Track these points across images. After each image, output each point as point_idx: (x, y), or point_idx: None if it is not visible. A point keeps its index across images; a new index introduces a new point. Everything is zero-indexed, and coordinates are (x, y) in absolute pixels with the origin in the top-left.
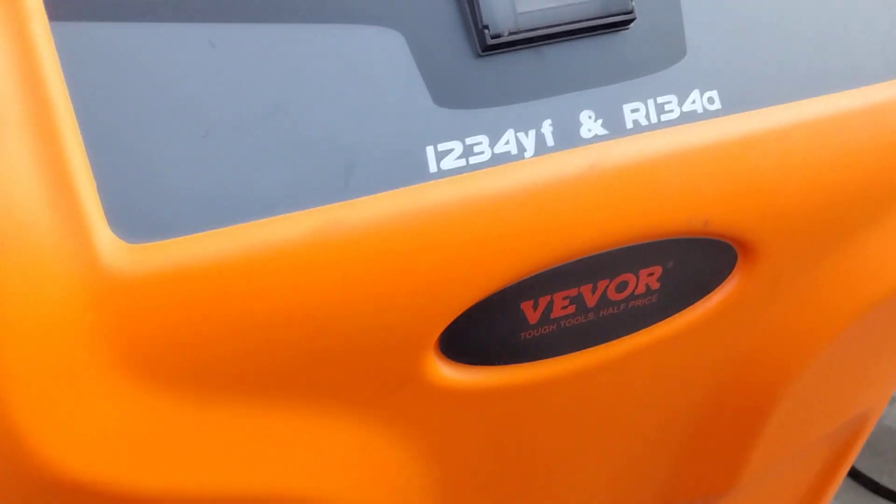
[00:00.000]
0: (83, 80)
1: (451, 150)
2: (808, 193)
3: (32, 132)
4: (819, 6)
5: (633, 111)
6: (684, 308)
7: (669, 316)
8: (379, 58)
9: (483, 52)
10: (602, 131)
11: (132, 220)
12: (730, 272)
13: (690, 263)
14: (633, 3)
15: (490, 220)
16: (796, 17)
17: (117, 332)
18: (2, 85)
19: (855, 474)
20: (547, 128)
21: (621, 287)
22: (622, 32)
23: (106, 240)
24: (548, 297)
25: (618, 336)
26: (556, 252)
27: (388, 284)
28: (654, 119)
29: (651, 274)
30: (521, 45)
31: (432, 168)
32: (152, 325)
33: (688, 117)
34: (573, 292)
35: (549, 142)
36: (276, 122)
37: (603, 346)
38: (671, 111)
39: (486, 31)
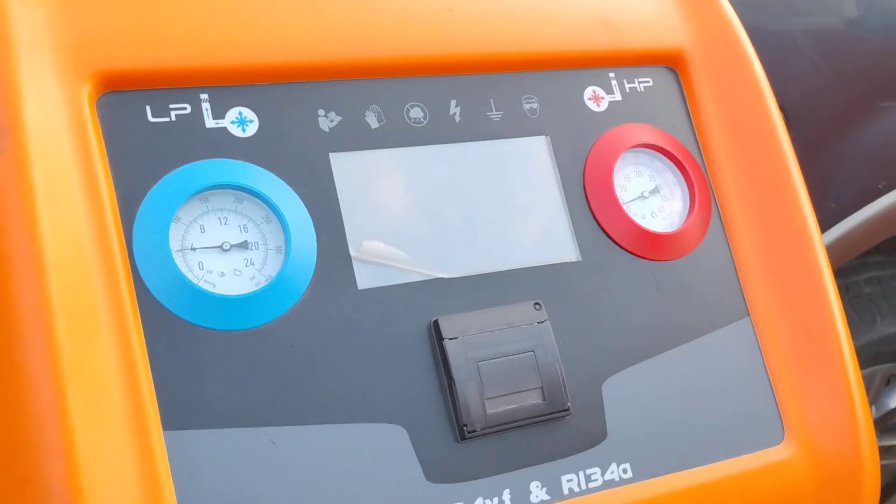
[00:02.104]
0: (184, 471)
1: None
2: None
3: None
4: (700, 401)
5: (568, 480)
6: None
7: None
8: (388, 447)
9: (461, 440)
10: (546, 497)
11: None
12: None
13: None
14: (570, 403)
15: None
16: (685, 410)
17: None
18: (130, 479)
19: None
20: (506, 495)
21: None
22: (561, 422)
23: None
24: None
25: None
26: None
27: None
28: (583, 486)
29: None
30: (489, 434)
31: None
32: None
33: (608, 484)
34: None
35: None
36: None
37: None
38: (596, 480)
39: (465, 428)
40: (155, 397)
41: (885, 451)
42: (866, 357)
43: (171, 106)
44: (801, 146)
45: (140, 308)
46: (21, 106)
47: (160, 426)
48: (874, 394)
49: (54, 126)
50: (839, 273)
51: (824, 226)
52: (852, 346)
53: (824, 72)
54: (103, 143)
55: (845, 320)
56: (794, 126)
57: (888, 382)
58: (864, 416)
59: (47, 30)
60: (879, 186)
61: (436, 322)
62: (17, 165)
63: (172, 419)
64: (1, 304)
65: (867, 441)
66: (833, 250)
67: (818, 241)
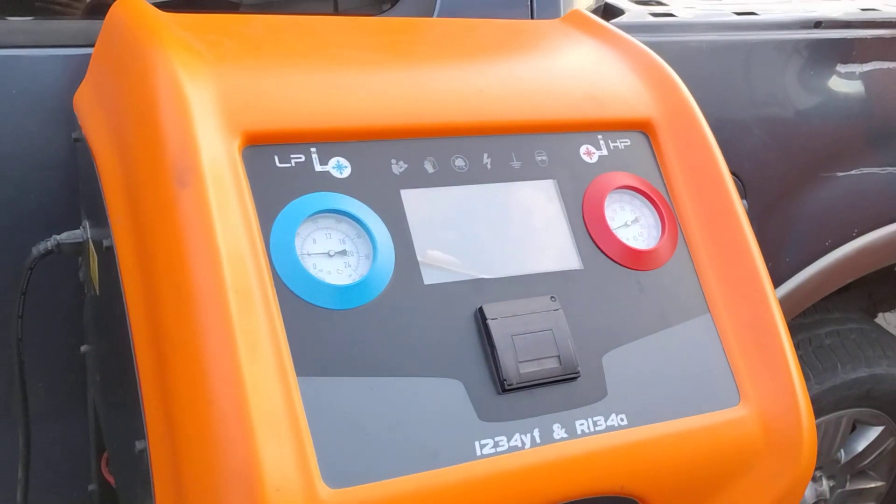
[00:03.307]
0: (312, 403)
1: (487, 444)
2: (677, 470)
3: (291, 431)
4: (675, 372)
5: (580, 424)
6: None
7: None
8: (451, 395)
9: (502, 392)
10: (565, 435)
11: (337, 475)
12: None
13: None
14: (579, 368)
15: (507, 481)
16: (665, 378)
17: None
18: (278, 404)
19: None
20: (536, 432)
21: None
22: (573, 382)
23: (322, 488)
24: None
25: None
26: (536, 500)
27: None
28: (591, 429)
29: None
30: (522, 389)
31: (478, 453)
32: None
33: (610, 428)
34: None
35: (538, 440)
36: (399, 433)
37: None
38: (600, 425)
39: (505, 382)
40: (290, 352)
41: (855, 495)
42: (831, 402)
43: (291, 156)
44: (757, 210)
45: (277, 292)
46: (199, 153)
47: (294, 372)
48: (841, 439)
49: (218, 167)
50: (802, 328)
51: (782, 278)
52: (789, 333)
53: (773, 148)
54: (248, 180)
55: (782, 314)
56: (750, 193)
57: (854, 429)
58: (800, 385)
59: (211, 102)
60: (827, 244)
61: (481, 308)
62: (198, 193)
63: (302, 368)
64: (183, 286)
65: (804, 404)
66: (791, 300)
67: (758, 255)
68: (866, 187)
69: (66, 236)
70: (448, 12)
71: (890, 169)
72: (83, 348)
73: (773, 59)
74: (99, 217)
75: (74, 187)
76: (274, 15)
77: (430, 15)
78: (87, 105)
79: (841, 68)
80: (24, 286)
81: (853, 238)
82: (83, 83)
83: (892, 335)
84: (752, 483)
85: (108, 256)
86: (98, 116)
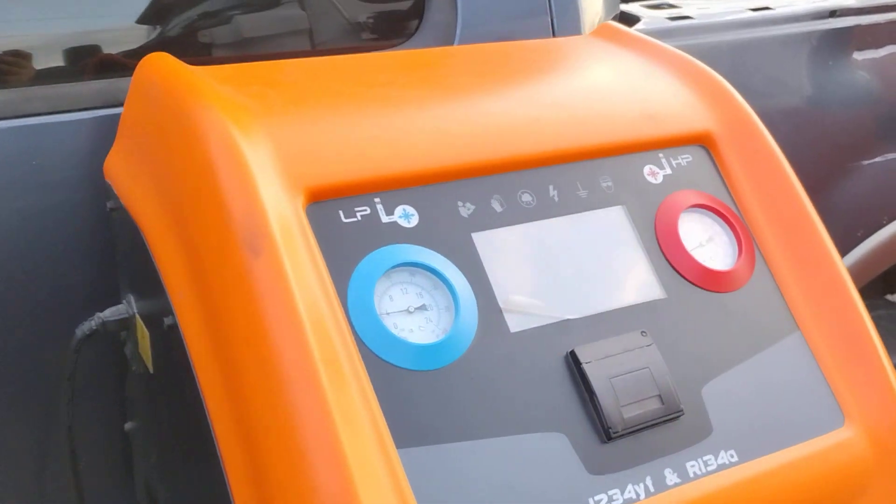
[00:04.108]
0: (416, 476)
1: (601, 499)
2: (792, 503)
3: None
4: (776, 397)
5: (691, 466)
6: None
7: None
8: (556, 450)
9: (608, 441)
10: (678, 480)
11: None
12: None
13: None
14: (682, 405)
15: None
16: (767, 405)
17: None
18: (383, 480)
19: None
20: (649, 481)
21: None
22: (677, 421)
23: None
24: None
25: None
26: None
27: None
28: (702, 470)
29: None
30: (627, 435)
31: None
32: None
33: (721, 467)
34: None
35: (651, 489)
36: (510, 498)
37: None
38: (711, 465)
39: (610, 430)
40: (386, 422)
41: None
42: None
43: (356, 209)
44: None
45: (363, 358)
46: (267, 218)
47: (394, 444)
48: None
49: (288, 231)
50: None
51: None
52: (882, 343)
53: (798, 143)
54: (316, 241)
55: (873, 323)
56: None
57: None
58: None
59: (270, 161)
60: (859, 234)
61: (573, 352)
62: (273, 262)
63: (400, 439)
64: (269, 362)
65: None
66: None
67: (841, 265)
68: (893, 174)
69: (109, 313)
70: (469, 38)
71: None
72: (127, 426)
73: (792, 52)
74: (148, 291)
75: (107, 259)
76: (304, 58)
77: (451, 42)
78: (123, 172)
79: (858, 55)
80: (72, 370)
81: (884, 225)
82: (114, 149)
83: None
84: None
85: (169, 334)
86: (138, 184)
